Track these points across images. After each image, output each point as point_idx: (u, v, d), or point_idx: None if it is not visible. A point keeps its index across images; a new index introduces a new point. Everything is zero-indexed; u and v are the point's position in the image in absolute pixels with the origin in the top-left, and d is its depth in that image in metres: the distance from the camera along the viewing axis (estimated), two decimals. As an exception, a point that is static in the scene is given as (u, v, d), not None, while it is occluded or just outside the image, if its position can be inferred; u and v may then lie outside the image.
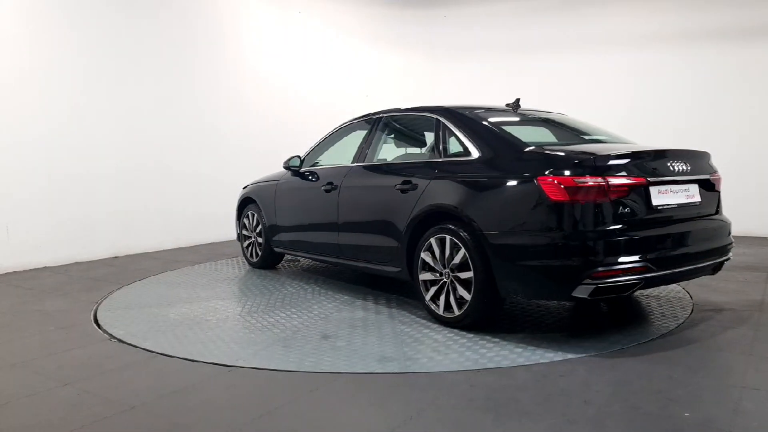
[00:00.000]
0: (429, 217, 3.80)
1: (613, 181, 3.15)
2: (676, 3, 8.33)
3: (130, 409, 2.54)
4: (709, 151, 3.88)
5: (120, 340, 3.56)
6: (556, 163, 3.22)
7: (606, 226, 3.12)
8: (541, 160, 3.33)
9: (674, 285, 4.76)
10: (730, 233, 3.79)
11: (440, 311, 3.69)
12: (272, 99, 8.92)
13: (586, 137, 4.16)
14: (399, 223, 4.00)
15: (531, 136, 4.02)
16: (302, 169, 5.25)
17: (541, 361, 3.04)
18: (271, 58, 8.98)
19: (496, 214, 3.40)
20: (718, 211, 3.79)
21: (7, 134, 5.88)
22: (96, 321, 4.01)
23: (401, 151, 4.82)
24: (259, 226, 5.80)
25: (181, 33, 7.63)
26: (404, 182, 4.00)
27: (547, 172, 3.19)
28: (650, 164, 3.37)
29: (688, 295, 4.39)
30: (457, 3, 9.86)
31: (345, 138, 5.14)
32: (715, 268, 3.68)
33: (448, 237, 3.61)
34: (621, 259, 3.10)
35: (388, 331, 3.65)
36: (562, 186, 3.11)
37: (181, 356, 3.23)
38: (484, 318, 3.56)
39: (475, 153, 3.68)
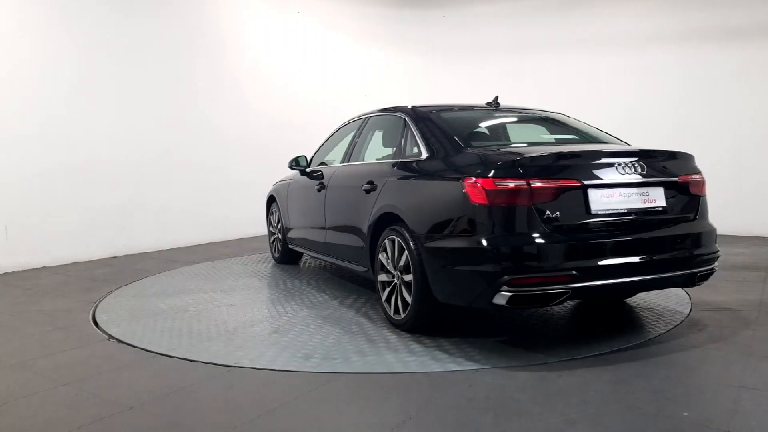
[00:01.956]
0: (383, 218, 3.78)
1: (538, 184, 2.95)
2: (675, 4, 8.33)
3: (128, 409, 2.54)
4: (684, 151, 3.52)
5: (119, 340, 3.55)
6: (482, 165, 3.10)
7: (527, 232, 2.93)
8: (471, 162, 3.22)
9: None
10: (712, 242, 3.44)
11: (391, 312, 3.69)
12: (271, 98, 8.92)
13: (558, 137, 4.10)
14: (363, 223, 4.03)
15: (491, 136, 4.00)
16: (308, 169, 5.34)
17: (540, 361, 3.05)
18: (270, 57, 8.98)
19: (429, 216, 3.36)
20: (697, 217, 3.42)
21: (6, 134, 5.88)
22: (95, 321, 4.01)
23: (379, 151, 4.87)
24: (280, 223, 6.02)
25: (180, 32, 7.62)
26: (368, 182, 4.03)
27: (472, 174, 3.08)
28: (592, 166, 3.14)
29: (687, 295, 4.40)
30: (456, 3, 9.86)
31: (342, 138, 5.17)
32: (693, 279, 3.30)
33: (396, 239, 3.58)
34: (541, 267, 2.92)
35: (339, 331, 3.65)
36: (483, 189, 2.98)
37: (180, 356, 3.22)
38: (424, 322, 3.49)
39: (424, 154, 3.63)
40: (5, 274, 5.78)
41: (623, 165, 3.12)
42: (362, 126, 4.75)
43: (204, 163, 7.87)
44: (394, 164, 3.91)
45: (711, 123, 8.17)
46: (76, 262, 6.35)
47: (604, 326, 3.71)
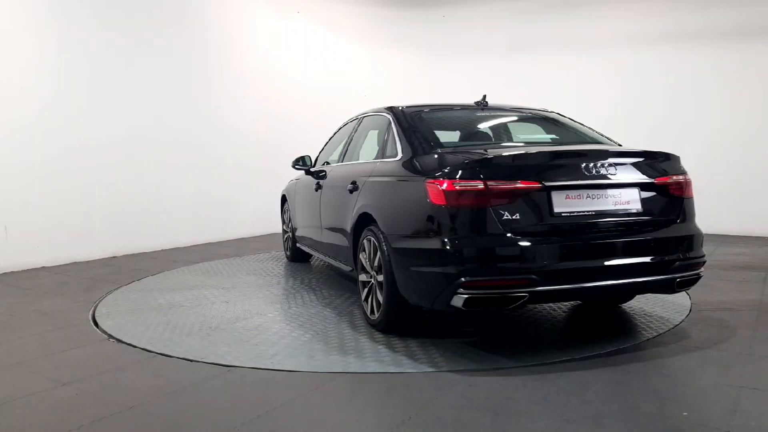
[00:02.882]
0: (362, 218, 3.79)
1: (496, 185, 2.90)
2: (676, 4, 8.33)
3: (128, 409, 2.54)
4: (666, 151, 3.36)
5: (118, 340, 3.55)
6: (444, 166, 3.07)
7: (484, 234, 2.89)
8: (436, 163, 3.18)
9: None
10: (697, 246, 3.27)
11: (368, 312, 3.70)
12: (271, 98, 8.92)
13: (540, 137, 4.08)
14: (347, 223, 4.06)
15: (467, 136, 3.98)
16: (312, 169, 5.38)
17: (540, 361, 3.05)
18: (270, 57, 8.98)
19: (397, 217, 3.37)
20: (679, 220, 3.25)
21: (6, 134, 5.87)
22: (94, 321, 4.01)
23: (370, 151, 4.90)
24: (291, 222, 6.16)
25: (180, 33, 7.62)
26: (351, 183, 4.06)
27: (435, 175, 3.05)
28: (556, 167, 3.08)
29: (687, 295, 4.39)
30: (455, 3, 9.86)
31: (342, 137, 5.19)
32: (672, 285, 3.17)
33: (372, 239, 3.59)
34: (497, 270, 2.88)
35: (315, 330, 3.67)
36: (442, 190, 2.96)
37: (180, 356, 3.22)
38: (395, 322, 3.48)
39: (399, 154, 3.63)
40: (5, 274, 5.78)
41: (592, 166, 3.02)
42: (357, 126, 4.79)
43: (204, 163, 7.87)
44: (373, 164, 3.94)
45: (712, 123, 8.18)
46: (75, 262, 6.35)
47: (604, 326, 3.71)
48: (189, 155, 7.67)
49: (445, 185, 2.95)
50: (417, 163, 3.37)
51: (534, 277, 2.85)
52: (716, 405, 2.47)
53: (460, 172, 2.96)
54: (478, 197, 2.89)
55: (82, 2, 6.51)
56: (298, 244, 5.90)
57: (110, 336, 3.65)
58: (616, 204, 3.06)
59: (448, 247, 2.92)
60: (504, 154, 3.17)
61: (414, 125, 3.74)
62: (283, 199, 6.51)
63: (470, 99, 4.43)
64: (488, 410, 2.45)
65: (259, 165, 8.70)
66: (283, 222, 6.53)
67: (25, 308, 4.42)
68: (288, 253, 6.33)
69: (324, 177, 4.96)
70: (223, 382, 2.85)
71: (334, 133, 5.47)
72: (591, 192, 3.03)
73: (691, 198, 3.34)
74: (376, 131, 4.47)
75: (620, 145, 3.71)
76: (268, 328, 3.74)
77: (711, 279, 5.01)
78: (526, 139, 4.10)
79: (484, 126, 4.23)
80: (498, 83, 9.17)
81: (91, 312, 4.23)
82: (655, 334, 3.45)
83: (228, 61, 8.32)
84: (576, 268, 2.95)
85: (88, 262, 6.41)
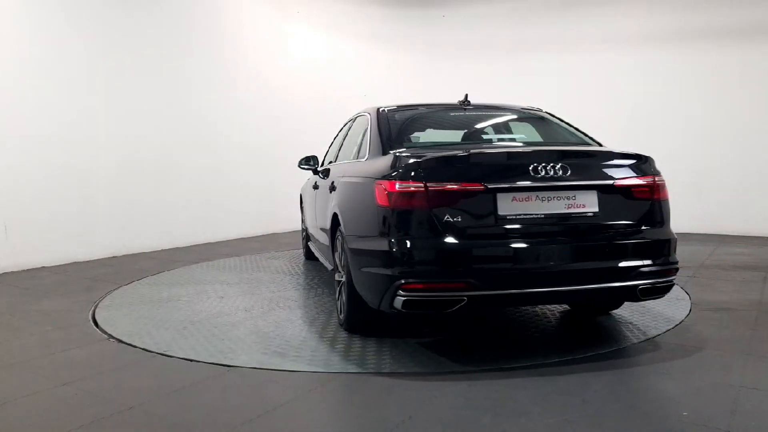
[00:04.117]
0: (334, 218, 3.81)
1: (437, 187, 2.84)
2: (676, 4, 8.33)
3: (128, 409, 2.54)
4: (633, 152, 3.19)
5: (119, 340, 3.55)
6: (391, 167, 3.03)
7: (423, 236, 2.83)
8: (388, 164, 3.13)
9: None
10: (667, 252, 3.08)
11: (338, 311, 3.73)
12: (271, 98, 8.93)
13: (512, 137, 4.04)
14: (327, 223, 4.08)
15: (433, 137, 3.95)
16: (319, 168, 5.39)
17: (540, 361, 3.05)
18: (270, 57, 8.99)
19: (353, 217, 3.39)
20: (647, 225, 3.07)
21: (6, 134, 5.87)
22: (95, 321, 4.01)
23: (354, 151, 4.93)
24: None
25: (180, 33, 7.63)
26: (331, 183, 4.10)
27: (382, 176, 3.02)
28: (504, 168, 2.99)
29: (687, 295, 4.40)
30: (455, 3, 9.86)
31: (340, 137, 5.21)
32: (634, 293, 3.00)
33: (340, 239, 3.62)
34: (434, 273, 2.83)
35: (290, 328, 3.71)
36: (386, 191, 2.94)
37: (180, 356, 3.22)
38: (356, 323, 3.49)
39: (367, 154, 3.63)
40: (5, 273, 5.78)
41: (543, 167, 2.90)
42: (351, 125, 4.82)
43: (204, 163, 7.87)
44: (349, 165, 3.98)
45: (712, 123, 8.18)
46: (75, 262, 6.35)
47: (604, 326, 3.71)
48: (189, 155, 7.67)
49: (387, 187, 2.93)
50: (374, 165, 3.35)
51: (472, 281, 2.77)
52: (716, 405, 2.47)
53: (402, 173, 2.92)
54: (418, 199, 2.85)
55: (88, 6, 6.51)
56: (309, 242, 5.98)
57: (110, 336, 3.65)
58: (569, 207, 2.93)
59: (388, 249, 2.89)
60: (447, 155, 3.10)
61: (386, 126, 3.71)
62: (301, 198, 6.63)
63: (471, 99, 4.42)
64: (488, 410, 2.45)
65: (260, 165, 8.70)
66: (302, 221, 6.66)
67: (25, 308, 4.42)
68: (304, 250, 6.43)
69: (323, 176, 4.98)
70: (223, 382, 2.85)
71: (338, 133, 5.49)
72: (542, 194, 2.91)
73: (662, 201, 3.15)
74: (360, 132, 4.50)
75: (600, 146, 3.58)
76: (242, 324, 3.83)
77: (711, 279, 5.02)
78: (497, 139, 4.02)
79: (457, 126, 4.19)
80: (498, 83, 9.17)
81: (91, 312, 4.24)
82: (655, 334, 3.45)
83: (228, 61, 8.32)
84: (518, 272, 2.86)
85: (88, 261, 6.41)
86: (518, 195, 2.88)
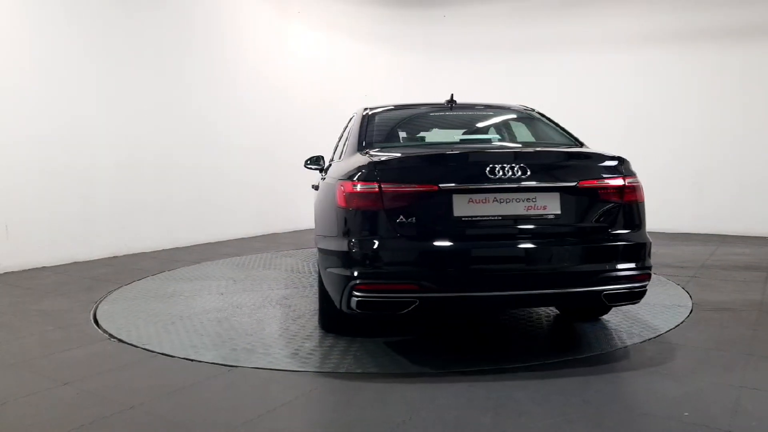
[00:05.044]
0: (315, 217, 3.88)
1: (391, 188, 2.82)
2: (675, 4, 8.33)
3: (129, 408, 2.54)
4: (600, 152, 3.10)
5: (120, 340, 3.55)
6: (355, 168, 3.02)
7: (377, 236, 2.82)
8: (350, 165, 3.14)
9: (673, 284, 4.78)
10: (638, 256, 2.92)
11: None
12: (272, 98, 8.93)
13: (486, 137, 4.01)
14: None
15: (404, 137, 3.93)
16: (325, 167, 5.38)
17: (540, 361, 3.04)
18: (271, 57, 8.99)
19: (319, 217, 3.43)
20: (617, 228, 2.94)
21: (7, 134, 5.88)
22: (95, 320, 4.01)
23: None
24: None
25: (180, 33, 7.63)
26: (317, 183, 4.14)
27: (343, 177, 3.04)
28: (460, 169, 2.93)
29: (688, 295, 4.39)
30: (456, 3, 9.86)
31: (341, 138, 5.22)
32: (595, 299, 2.92)
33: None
34: (386, 274, 2.81)
35: (268, 328, 3.75)
36: (344, 191, 2.94)
37: (181, 356, 3.23)
38: (329, 322, 3.51)
39: (342, 155, 3.63)
40: (6, 273, 5.78)
41: (501, 168, 2.82)
42: (347, 125, 4.81)
43: (204, 163, 7.88)
44: (331, 164, 4.00)
45: (712, 123, 8.18)
46: (76, 262, 6.35)
47: (605, 326, 3.70)
48: (189, 155, 7.67)
49: (345, 187, 2.94)
50: (342, 165, 3.36)
51: (424, 282, 2.75)
52: (717, 405, 2.47)
53: (358, 174, 2.92)
54: (373, 200, 2.83)
55: (88, 6, 6.51)
56: None
57: (111, 336, 3.65)
58: (529, 209, 2.85)
59: (347, 249, 2.89)
60: (402, 156, 3.10)
61: (364, 126, 3.70)
62: None
63: (470, 99, 4.42)
64: (488, 410, 2.45)
65: (260, 165, 8.71)
66: None
67: (26, 308, 4.42)
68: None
69: (324, 177, 5.00)
70: (224, 382, 2.85)
71: (341, 133, 5.49)
72: (499, 196, 2.84)
73: (633, 203, 3.00)
74: (347, 132, 4.52)
75: (581, 146, 3.47)
76: (228, 320, 3.92)
77: (712, 279, 5.01)
78: (472, 139, 3.96)
79: (438, 126, 4.17)
80: (499, 83, 9.17)
81: (92, 311, 4.24)
82: (656, 334, 3.45)
83: (228, 61, 8.33)
84: (472, 275, 2.82)
85: (89, 261, 6.41)
86: (475, 197, 2.84)
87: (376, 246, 2.81)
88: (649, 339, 3.36)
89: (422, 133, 4.11)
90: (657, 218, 8.48)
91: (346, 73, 9.91)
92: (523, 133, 3.93)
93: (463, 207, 2.82)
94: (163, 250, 7.20)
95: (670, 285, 4.77)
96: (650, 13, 8.50)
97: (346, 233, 2.92)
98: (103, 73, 6.68)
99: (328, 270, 3.11)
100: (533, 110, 4.13)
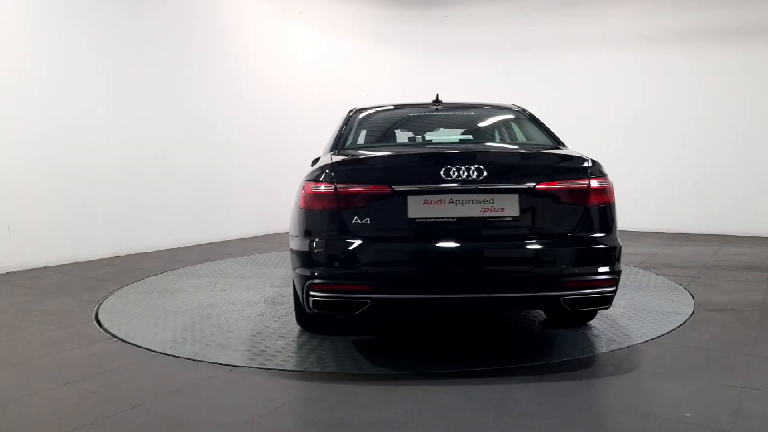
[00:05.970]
0: None
1: (345, 189, 2.84)
2: (675, 4, 8.32)
3: (131, 408, 2.54)
4: (566, 153, 3.04)
5: (121, 340, 3.56)
6: (316, 169, 3.05)
7: (331, 237, 2.85)
8: (317, 166, 3.13)
9: (675, 284, 4.77)
10: (600, 262, 2.84)
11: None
12: (273, 98, 8.93)
13: (460, 137, 3.99)
14: None
15: (378, 138, 3.89)
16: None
17: (542, 361, 3.04)
18: (272, 57, 8.99)
19: (290, 218, 3.42)
20: (581, 231, 2.86)
21: (8, 133, 5.88)
22: (97, 320, 4.01)
23: None
24: None
25: (181, 33, 7.63)
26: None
27: (306, 178, 3.06)
28: (415, 170, 2.94)
29: (690, 295, 4.39)
30: (457, 3, 9.86)
31: None
32: (554, 303, 2.85)
33: None
34: (337, 275, 2.83)
35: (256, 326, 3.78)
36: (304, 192, 2.99)
37: (183, 356, 3.23)
38: (302, 319, 3.57)
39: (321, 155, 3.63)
40: (8, 273, 5.79)
41: (457, 170, 2.79)
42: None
43: (205, 163, 7.88)
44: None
45: (715, 123, 8.16)
46: (78, 262, 6.36)
47: (605, 326, 3.70)
48: (190, 155, 7.67)
49: (305, 188, 2.99)
50: (313, 166, 3.36)
51: (375, 283, 2.77)
52: (719, 405, 2.47)
53: (316, 175, 2.96)
54: (329, 201, 2.87)
55: (89, 6, 6.52)
56: None
57: (113, 335, 3.66)
58: (485, 211, 2.81)
59: (304, 249, 2.94)
60: (358, 157, 3.13)
61: (344, 127, 3.72)
62: None
63: (470, 99, 4.42)
64: (490, 410, 2.45)
65: (261, 165, 8.71)
66: None
67: (28, 308, 4.43)
68: None
69: None
70: (225, 382, 2.86)
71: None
72: (455, 197, 2.80)
73: (600, 206, 2.89)
74: None
75: (560, 147, 3.37)
76: (218, 316, 3.99)
77: (714, 279, 5.01)
78: (444, 140, 3.95)
79: (419, 126, 4.15)
80: (499, 83, 9.17)
81: (93, 311, 4.24)
82: (659, 334, 3.45)
83: (230, 61, 8.33)
84: (424, 277, 2.81)
85: (90, 261, 6.42)
86: (430, 198, 2.81)
87: (330, 246, 2.86)
88: (651, 339, 3.36)
89: (400, 134, 4.07)
90: (658, 218, 8.52)
91: (348, 73, 9.91)
92: (501, 133, 3.91)
93: (418, 208, 2.81)
94: (165, 250, 7.21)
95: (672, 285, 4.77)
96: (650, 13, 8.49)
97: (306, 233, 2.96)
98: (104, 73, 6.69)
99: (295, 270, 3.14)
100: (523, 110, 4.03)
